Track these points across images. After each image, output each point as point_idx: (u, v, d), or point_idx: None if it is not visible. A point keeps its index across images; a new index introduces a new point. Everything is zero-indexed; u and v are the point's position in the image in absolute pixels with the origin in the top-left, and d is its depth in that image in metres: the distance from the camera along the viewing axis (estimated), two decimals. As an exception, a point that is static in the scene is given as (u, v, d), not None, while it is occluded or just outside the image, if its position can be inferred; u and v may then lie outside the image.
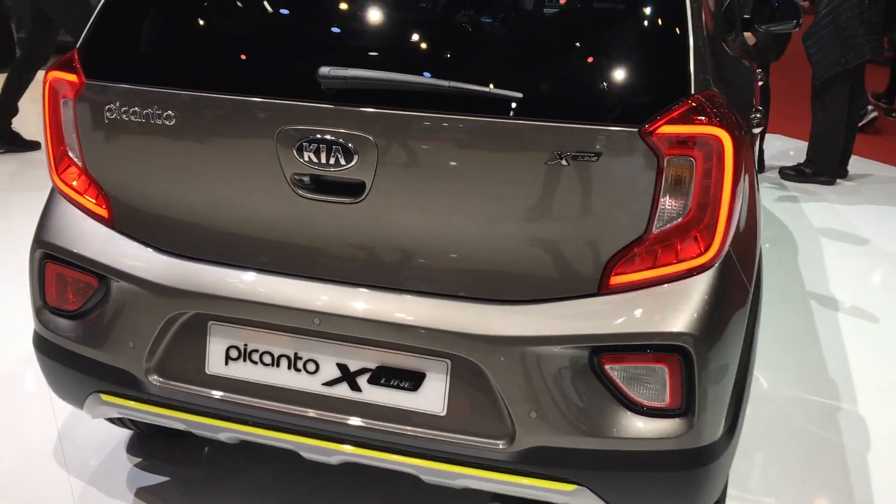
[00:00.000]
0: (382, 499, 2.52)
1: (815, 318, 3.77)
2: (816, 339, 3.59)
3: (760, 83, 3.33)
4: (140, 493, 2.52)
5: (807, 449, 2.86)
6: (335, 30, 2.01)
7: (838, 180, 5.65)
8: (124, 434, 2.75)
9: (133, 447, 2.71)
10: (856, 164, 5.93)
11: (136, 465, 2.64)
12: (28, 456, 2.67)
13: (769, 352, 3.47)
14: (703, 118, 1.74)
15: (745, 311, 1.95)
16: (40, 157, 5.15)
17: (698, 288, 1.83)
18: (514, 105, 1.77)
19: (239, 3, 2.13)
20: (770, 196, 5.38)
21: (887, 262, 4.47)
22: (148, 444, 2.73)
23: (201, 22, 2.11)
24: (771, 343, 3.55)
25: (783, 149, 6.14)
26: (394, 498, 2.52)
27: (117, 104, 2.00)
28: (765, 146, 5.81)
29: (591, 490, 1.87)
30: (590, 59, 1.86)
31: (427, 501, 2.48)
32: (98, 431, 2.74)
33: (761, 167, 5.83)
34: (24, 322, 2.64)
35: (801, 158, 5.73)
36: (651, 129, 1.73)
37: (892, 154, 6.40)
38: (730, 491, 2.59)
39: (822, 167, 5.58)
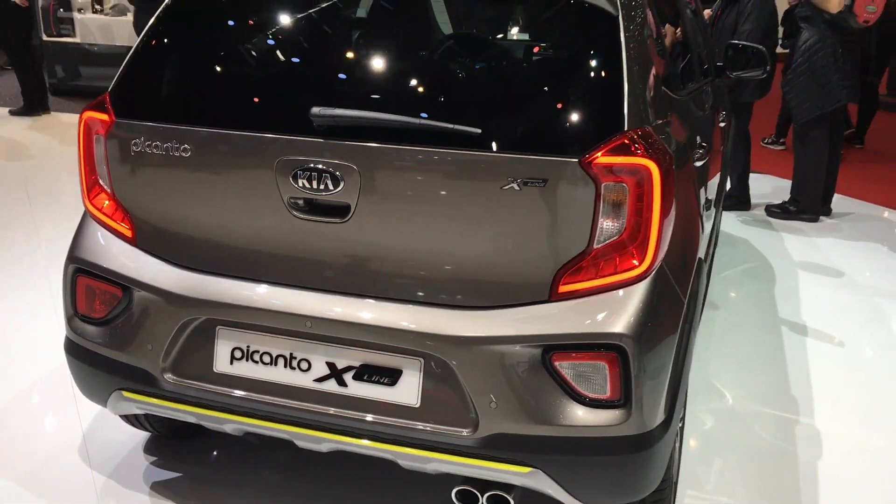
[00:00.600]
0: (376, 496, 2.80)
1: (784, 342, 4.03)
2: (783, 361, 3.85)
3: (723, 123, 3.64)
4: (155, 486, 2.81)
5: (763, 457, 3.11)
6: (324, 77, 2.35)
7: (822, 217, 5.92)
8: (142, 435, 3.05)
9: (149, 447, 3.01)
10: (839, 201, 6.21)
11: (152, 463, 2.93)
12: (55, 452, 2.97)
13: (736, 372, 3.74)
14: (633, 150, 2.05)
15: (677, 317, 2.24)
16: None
17: (634, 296, 2.12)
18: (474, 139, 2.10)
19: (244, 56, 2.48)
20: (754, 232, 5.66)
21: (859, 294, 4.72)
22: (163, 444, 3.03)
23: (212, 70, 2.46)
24: (739, 364, 3.82)
25: (777, 186, 6.42)
26: (384, 494, 2.80)
27: (142, 139, 2.34)
28: (751, 184, 6.12)
29: (544, 472, 2.14)
30: (538, 100, 2.19)
31: (410, 494, 2.76)
32: (118, 433, 3.04)
33: (746, 204, 6.11)
34: (45, 335, 2.92)
35: (787, 197, 6.02)
36: (589, 159, 2.04)
37: (873, 193, 6.67)
38: (688, 491, 2.87)
39: (805, 205, 5.86)
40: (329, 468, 2.91)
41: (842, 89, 5.56)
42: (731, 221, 5.84)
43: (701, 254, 2.59)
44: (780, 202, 6.00)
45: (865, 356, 3.99)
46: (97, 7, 10.04)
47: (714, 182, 3.57)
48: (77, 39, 9.91)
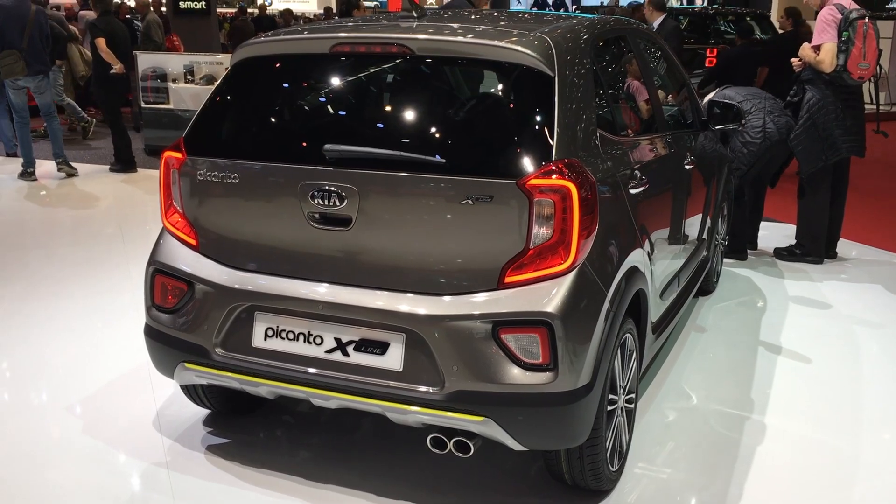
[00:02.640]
0: (382, 465, 3.49)
1: (758, 359, 4.56)
2: (751, 373, 4.38)
3: (688, 167, 4.29)
4: (210, 448, 3.55)
5: (710, 442, 3.67)
6: (334, 123, 3.16)
7: (826, 260, 6.41)
8: (203, 412, 3.81)
9: (208, 421, 3.77)
10: (845, 246, 6.69)
11: (209, 433, 3.68)
12: (134, 423, 3.75)
13: (706, 380, 4.30)
14: (557, 175, 2.76)
15: (599, 304, 2.90)
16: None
17: (562, 285, 2.80)
18: (440, 167, 2.84)
19: (277, 109, 3.29)
20: (757, 271, 6.18)
21: (841, 323, 5.15)
22: (219, 419, 3.78)
23: (255, 120, 3.27)
24: (710, 374, 4.38)
25: (788, 232, 6.93)
26: (387, 465, 3.49)
27: (204, 171, 3.16)
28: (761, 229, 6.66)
29: (494, 421, 2.81)
30: (489, 138, 2.93)
31: (402, 462, 3.44)
32: (184, 410, 3.81)
33: (753, 245, 6.61)
34: (128, 336, 3.67)
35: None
36: (524, 181, 2.76)
37: (879, 238, 7.11)
38: (637, 463, 3.47)
39: (810, 249, 6.36)
40: (349, 451, 3.62)
41: (843, 143, 6.07)
42: (737, 263, 6.38)
43: (637, 263, 3.24)
44: (788, 245, 6.51)
45: (829, 371, 4.46)
46: (188, 78, 11.25)
47: (682, 216, 4.20)
48: (171, 106, 11.11)
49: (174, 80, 11.23)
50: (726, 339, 4.90)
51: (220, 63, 11.18)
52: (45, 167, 9.79)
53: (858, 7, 5.93)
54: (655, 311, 3.71)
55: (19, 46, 8.99)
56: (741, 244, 6.46)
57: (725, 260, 6.21)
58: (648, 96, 4.05)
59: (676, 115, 4.63)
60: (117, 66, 9.64)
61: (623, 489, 3.28)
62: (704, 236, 4.96)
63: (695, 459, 3.54)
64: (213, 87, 3.38)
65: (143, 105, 11.27)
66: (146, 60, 11.34)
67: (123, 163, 10.01)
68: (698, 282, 4.90)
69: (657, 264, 3.64)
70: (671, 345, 4.70)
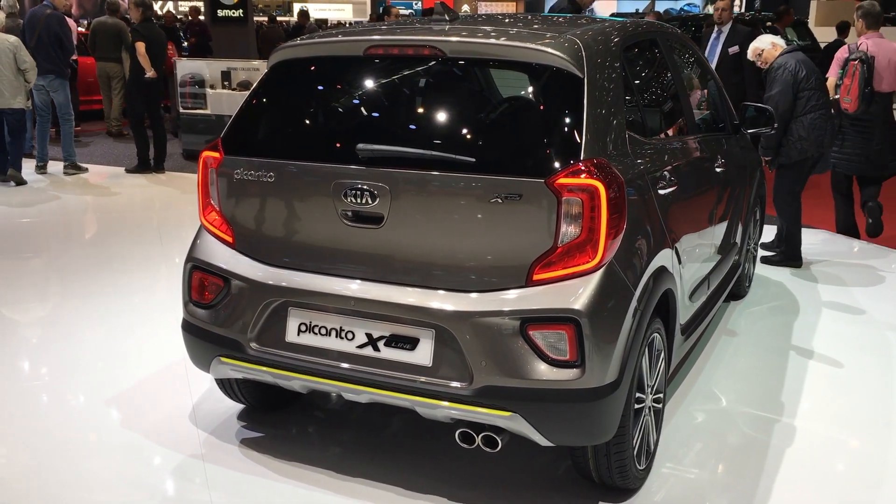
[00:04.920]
0: (407, 459, 3.55)
1: (789, 363, 4.55)
2: (782, 376, 4.37)
3: (719, 169, 4.30)
4: (244, 441, 3.63)
5: (738, 444, 3.68)
6: (366, 124, 3.23)
7: (862, 267, 6.37)
8: (237, 407, 3.90)
9: (242, 415, 3.85)
10: (882, 253, 6.63)
11: (243, 427, 3.76)
12: (171, 416, 3.85)
13: (736, 382, 4.30)
14: (585, 174, 2.80)
15: (626, 303, 2.93)
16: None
17: (590, 283, 2.84)
18: (470, 166, 2.90)
19: (311, 110, 3.36)
20: (792, 277, 6.15)
21: (875, 328, 5.09)
22: (253, 414, 3.86)
23: (290, 121, 3.35)
24: (740, 377, 4.38)
25: (821, 237, 6.88)
26: (412, 459, 3.54)
27: (241, 170, 3.24)
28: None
29: (521, 416, 2.85)
30: (519, 138, 2.98)
31: (430, 461, 3.49)
32: (219, 405, 3.90)
33: (797, 261, 6.51)
34: (166, 334, 3.78)
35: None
36: (552, 180, 2.80)
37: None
38: (664, 463, 3.49)
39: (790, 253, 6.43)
40: (379, 446, 3.68)
41: (832, 158, 6.22)
42: (768, 267, 6.36)
43: (665, 263, 3.27)
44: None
45: (860, 376, 4.44)
46: (225, 84, 11.43)
47: (713, 219, 4.21)
48: (208, 111, 11.30)
49: (212, 86, 11.42)
50: (757, 343, 4.89)
51: (256, 69, 11.35)
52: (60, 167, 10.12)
53: (865, 50, 6.57)
54: (684, 312, 3.72)
55: (28, 45, 9.50)
56: (796, 250, 6.44)
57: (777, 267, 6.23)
58: (680, 99, 4.07)
59: (708, 119, 4.64)
60: (150, 73, 9.86)
61: (650, 488, 3.30)
62: (736, 240, 4.96)
63: (722, 460, 3.55)
64: (249, 92, 3.47)
65: (181, 110, 11.48)
66: (185, 67, 11.56)
67: (141, 164, 10.24)
68: (729, 286, 4.89)
69: (686, 266, 3.66)
70: (701, 348, 4.70)
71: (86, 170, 10.17)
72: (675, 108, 4.07)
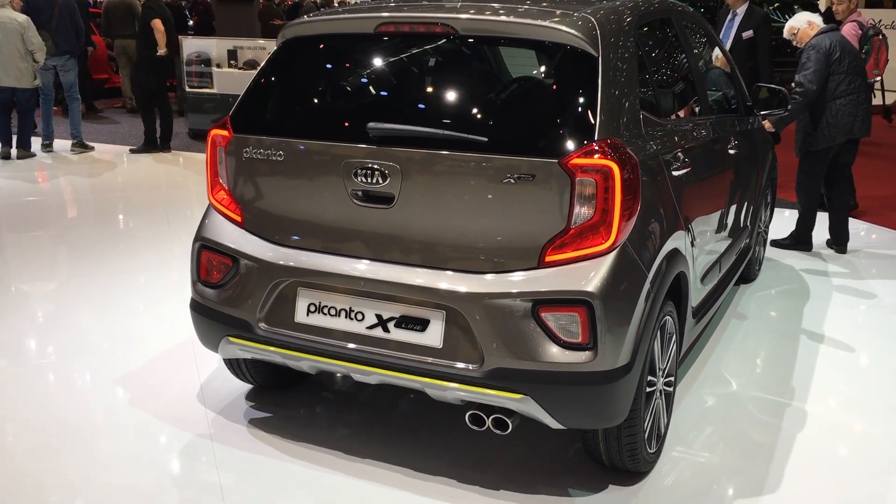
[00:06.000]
0: (415, 439, 3.54)
1: (799, 347, 4.52)
2: (792, 360, 4.35)
3: (732, 151, 4.25)
4: (254, 422, 3.61)
5: (749, 427, 3.66)
6: (377, 102, 3.19)
7: (873, 251, 6.32)
8: (245, 387, 3.88)
9: (250, 395, 3.83)
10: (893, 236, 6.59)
11: (251, 407, 3.74)
12: (179, 397, 3.83)
13: (746, 366, 4.28)
14: (599, 155, 2.76)
15: (639, 285, 2.90)
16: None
17: (603, 265, 2.81)
18: (483, 146, 2.86)
19: (321, 88, 3.33)
20: (802, 261, 6.11)
21: (885, 313, 5.10)
22: (261, 393, 3.85)
23: (299, 99, 3.32)
24: (751, 361, 4.36)
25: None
26: (420, 440, 3.53)
27: (250, 148, 3.21)
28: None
29: (532, 399, 2.83)
30: (532, 117, 2.94)
31: (439, 442, 3.48)
32: (227, 384, 3.89)
33: (807, 245, 6.45)
34: (173, 315, 3.77)
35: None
36: (566, 160, 2.77)
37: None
38: (675, 447, 3.47)
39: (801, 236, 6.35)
40: (387, 428, 3.67)
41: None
42: (779, 251, 6.32)
43: (678, 245, 3.24)
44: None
45: (871, 360, 4.42)
46: (231, 63, 11.37)
47: (725, 201, 4.17)
48: (214, 90, 11.24)
49: (218, 65, 11.36)
50: (767, 326, 4.86)
51: (262, 48, 11.29)
52: (67, 145, 10.10)
53: (874, 24, 6.88)
54: (696, 295, 3.69)
55: (48, 27, 9.48)
56: (807, 234, 6.37)
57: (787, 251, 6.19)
58: (693, 79, 4.02)
59: (721, 100, 4.59)
60: (163, 50, 9.82)
61: (660, 472, 3.29)
62: (748, 223, 4.92)
63: (733, 444, 3.53)
64: (256, 71, 3.43)
65: (187, 89, 11.42)
66: (191, 45, 11.50)
67: (147, 143, 10.21)
68: (740, 268, 4.86)
69: (698, 248, 3.62)
70: (711, 331, 4.67)
71: (92, 148, 10.16)
72: (688, 89, 4.02)
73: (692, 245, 3.47)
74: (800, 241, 6.33)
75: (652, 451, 3.24)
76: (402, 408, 3.78)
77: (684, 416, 3.71)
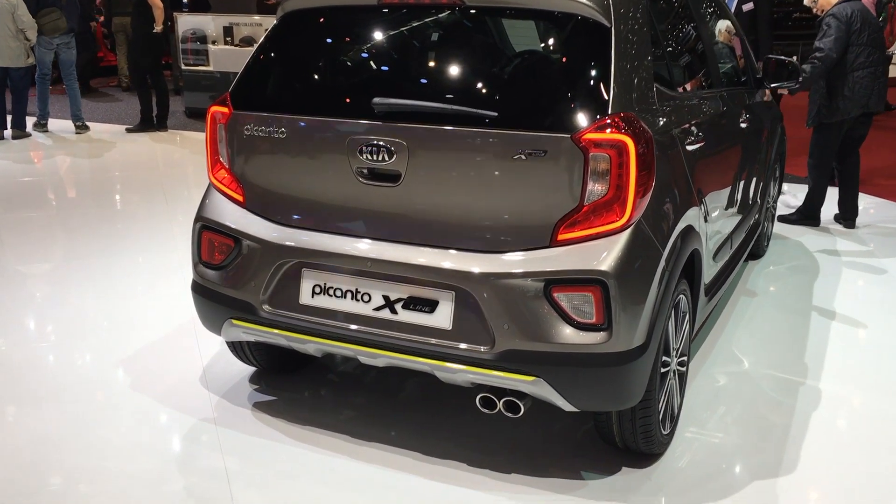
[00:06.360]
0: (421, 421, 3.47)
1: (811, 324, 4.45)
2: (804, 338, 4.27)
3: (744, 125, 4.15)
4: (258, 405, 3.54)
5: (762, 406, 3.59)
6: (382, 77, 3.09)
7: (883, 226, 6.24)
8: (249, 369, 3.81)
9: (254, 378, 3.76)
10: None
11: (255, 390, 3.67)
12: (182, 381, 3.76)
13: (758, 344, 4.21)
14: (613, 129, 2.67)
15: (655, 263, 2.81)
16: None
17: (616, 243, 2.72)
18: (492, 121, 2.77)
19: (324, 63, 3.22)
20: (810, 236, 6.04)
21: (896, 289, 5.08)
22: (265, 376, 3.77)
23: (302, 74, 3.22)
24: (762, 338, 4.29)
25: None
26: (428, 420, 3.46)
27: (251, 125, 3.11)
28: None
29: (545, 380, 2.75)
30: (543, 91, 2.84)
31: (446, 424, 3.41)
32: (230, 367, 3.81)
33: (815, 221, 6.36)
34: (173, 296, 3.69)
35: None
36: (579, 135, 2.67)
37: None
38: (688, 427, 3.40)
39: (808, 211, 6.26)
40: (394, 410, 3.60)
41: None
42: (787, 226, 6.24)
43: (693, 222, 3.15)
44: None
45: (885, 337, 4.35)
46: (227, 39, 11.22)
47: (737, 176, 4.08)
48: (210, 68, 11.10)
49: (213, 42, 11.21)
50: (777, 303, 4.79)
51: (258, 24, 11.14)
52: (61, 125, 9.97)
53: None
54: (708, 272, 3.61)
55: (59, 4, 9.30)
56: (815, 210, 6.27)
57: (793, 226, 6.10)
58: (705, 51, 3.92)
59: (730, 73, 4.48)
60: (159, 27, 9.69)
61: (674, 453, 3.22)
62: (757, 198, 4.83)
63: (747, 424, 3.46)
64: (253, 48, 3.32)
65: (183, 67, 11.28)
66: (186, 22, 11.34)
67: (144, 123, 10.09)
68: (750, 245, 4.78)
69: (711, 224, 3.54)
70: (721, 308, 4.60)
71: (87, 128, 10.04)
72: (700, 61, 3.91)
73: (705, 221, 3.38)
74: (807, 216, 6.24)
75: (666, 433, 3.17)
76: (409, 390, 3.71)
77: (696, 395, 3.65)
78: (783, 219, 6.25)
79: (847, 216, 6.23)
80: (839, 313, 4.61)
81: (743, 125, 4.17)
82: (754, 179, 4.65)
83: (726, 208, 3.94)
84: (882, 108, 5.95)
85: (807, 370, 3.92)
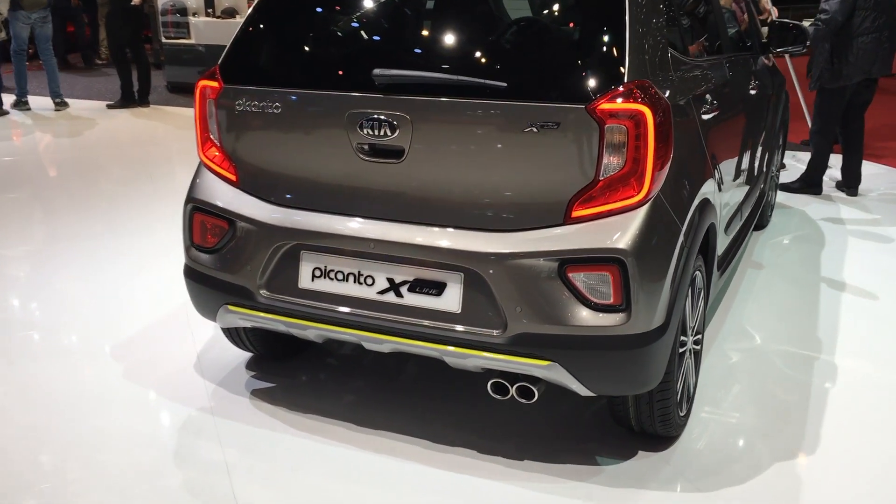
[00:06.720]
0: (426, 406, 3.34)
1: (821, 296, 4.35)
2: (815, 311, 4.17)
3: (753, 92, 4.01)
4: (255, 392, 3.40)
5: (778, 384, 3.48)
6: (383, 45, 2.92)
7: (887, 194, 6.14)
8: (245, 356, 3.67)
9: (250, 365, 3.62)
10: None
11: (252, 377, 3.52)
12: (176, 368, 3.60)
13: (769, 319, 4.10)
14: (631, 98, 2.52)
15: (674, 240, 2.68)
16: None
17: (634, 220, 2.58)
18: (501, 92, 2.60)
19: (320, 32, 3.05)
20: (812, 204, 5.93)
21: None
22: (261, 363, 3.63)
23: (296, 44, 3.04)
24: (772, 313, 4.18)
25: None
26: (433, 406, 3.33)
27: (243, 101, 2.93)
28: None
29: (561, 365, 2.62)
30: (554, 59, 2.68)
31: (456, 408, 3.28)
32: (225, 354, 3.66)
33: (816, 188, 6.25)
34: (164, 281, 3.53)
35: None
36: (594, 105, 2.52)
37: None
38: (703, 407, 3.29)
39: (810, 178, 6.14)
40: (396, 394, 3.47)
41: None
42: (789, 195, 6.12)
43: (709, 195, 3.01)
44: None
45: (894, 307, 4.26)
46: (209, 11, 10.94)
47: (748, 145, 3.94)
48: (192, 41, 10.83)
49: (195, 14, 10.93)
50: (785, 275, 4.68)
51: (241, -5, 10.87)
52: (39, 102, 9.71)
53: None
54: (721, 245, 3.49)
55: None
56: (818, 177, 6.14)
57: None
58: (715, 15, 3.76)
59: (736, 38, 4.33)
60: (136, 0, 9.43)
61: (690, 435, 3.11)
62: (763, 167, 4.70)
63: (763, 403, 3.35)
64: (237, 21, 3.13)
65: (163, 41, 11.01)
66: (166, -6, 11.05)
67: (125, 98, 9.85)
68: (756, 215, 4.66)
69: (723, 195, 3.40)
70: (728, 282, 4.49)
71: (67, 105, 9.79)
72: (711, 25, 3.76)
73: (719, 192, 3.24)
74: (810, 183, 6.13)
75: (683, 414, 3.05)
76: (409, 372, 3.58)
77: (710, 374, 3.53)
78: (784, 187, 6.13)
79: (850, 184, 6.12)
80: (848, 284, 4.51)
81: (753, 92, 4.03)
82: (761, 147, 4.52)
83: (735, 178, 3.81)
84: (888, 73, 5.81)
85: (821, 345, 3.82)
